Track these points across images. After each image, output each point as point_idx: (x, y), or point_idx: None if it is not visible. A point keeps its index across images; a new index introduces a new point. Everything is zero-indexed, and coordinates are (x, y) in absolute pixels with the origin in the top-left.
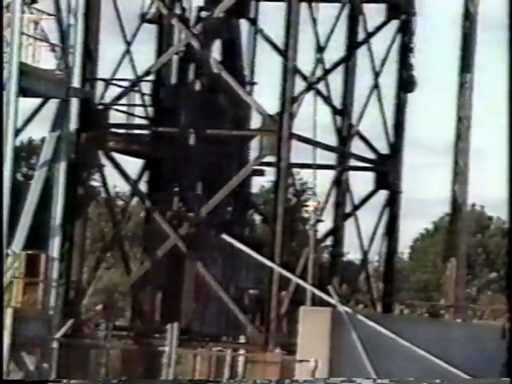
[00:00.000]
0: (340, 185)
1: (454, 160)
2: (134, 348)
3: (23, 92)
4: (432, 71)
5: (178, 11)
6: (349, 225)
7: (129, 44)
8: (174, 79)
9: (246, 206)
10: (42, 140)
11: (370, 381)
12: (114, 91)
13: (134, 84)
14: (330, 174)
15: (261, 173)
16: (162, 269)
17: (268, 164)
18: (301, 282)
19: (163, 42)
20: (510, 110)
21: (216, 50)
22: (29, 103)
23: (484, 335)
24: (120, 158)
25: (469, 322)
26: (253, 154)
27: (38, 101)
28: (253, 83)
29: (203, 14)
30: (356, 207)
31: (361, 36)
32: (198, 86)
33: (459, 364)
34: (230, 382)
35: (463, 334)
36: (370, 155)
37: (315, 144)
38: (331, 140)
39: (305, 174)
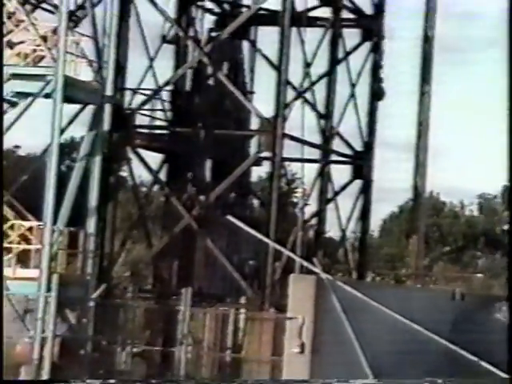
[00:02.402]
0: (323, 175)
1: (415, 155)
2: (155, 307)
3: (67, 99)
4: (398, 83)
5: (191, 33)
6: (330, 208)
7: (152, 60)
8: (188, 88)
9: (247, 193)
10: (82, 138)
11: (365, 380)
12: (139, 98)
13: (156, 93)
14: (315, 167)
15: (258, 163)
16: (178, 243)
17: (264, 158)
18: (291, 254)
19: (180, 59)
20: (509, 110)
21: (223, 65)
22: (71, 108)
23: (438, 297)
24: (144, 153)
25: (426, 287)
26: (252, 149)
27: (78, 106)
28: (252, 92)
29: (212, 35)
30: (336, 194)
31: (341, 54)
32: (207, 95)
33: (420, 321)
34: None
35: (422, 296)
36: (348, 151)
37: (303, 142)
38: (316, 139)
39: (294, 167)
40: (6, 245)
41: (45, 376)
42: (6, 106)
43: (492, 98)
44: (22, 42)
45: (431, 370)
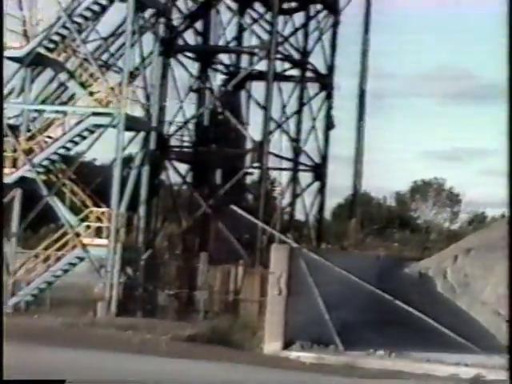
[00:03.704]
0: (294, 179)
1: (354, 165)
2: (183, 265)
3: (126, 128)
4: (343, 119)
5: (208, 86)
6: (298, 201)
7: (182, 102)
8: (205, 121)
9: (244, 190)
10: (136, 154)
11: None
12: (174, 127)
13: (184, 124)
14: (288, 173)
15: (250, 172)
16: (198, 224)
17: (255, 167)
18: (272, 230)
19: (200, 102)
20: (509, 111)
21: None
22: (129, 134)
23: (368, 258)
24: (176, 164)
25: (361, 252)
26: (247, 162)
27: (133, 133)
28: (247, 123)
29: (222, 87)
30: (303, 191)
31: (306, 99)
32: (218, 126)
33: (356, 274)
34: None
35: (358, 258)
36: (310, 163)
37: (281, 157)
38: (289, 155)
39: (275, 173)
40: (87, 223)
41: (113, 307)
42: (86, 132)
43: (404, 129)
44: (98, 92)
45: (362, 305)
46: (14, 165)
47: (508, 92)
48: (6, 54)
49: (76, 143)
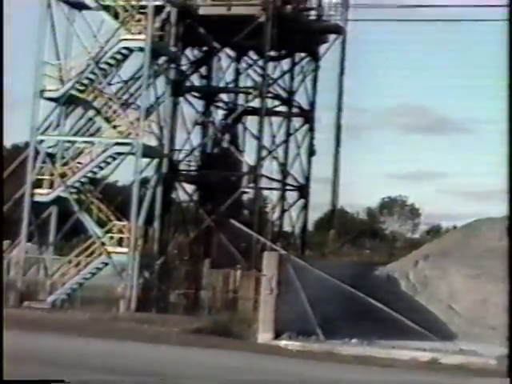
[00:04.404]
0: (282, 197)
1: (332, 184)
2: (190, 270)
3: (143, 156)
4: (323, 147)
5: (211, 119)
6: (286, 215)
7: (189, 133)
8: (209, 149)
9: (241, 207)
10: (151, 177)
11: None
12: (182, 154)
13: (192, 151)
14: (277, 193)
15: (246, 192)
16: (203, 235)
17: (250, 187)
18: (265, 240)
19: (204, 134)
20: (509, 111)
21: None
22: (145, 161)
23: (344, 264)
24: (185, 185)
25: (338, 258)
26: (244, 183)
27: (149, 159)
28: (243, 151)
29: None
30: (289, 207)
31: (292, 131)
32: (219, 153)
33: (335, 276)
34: None
35: (336, 263)
36: (296, 184)
37: (271, 179)
38: (278, 177)
39: (267, 192)
40: (111, 234)
41: (132, 305)
42: (110, 159)
43: (373, 155)
44: (120, 125)
45: (340, 302)
46: (51, 186)
47: (508, 93)
48: (46, 95)
49: (101, 168)
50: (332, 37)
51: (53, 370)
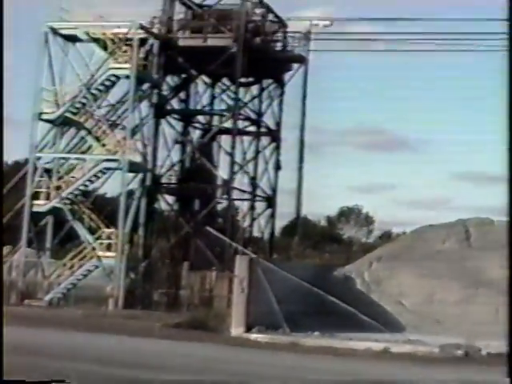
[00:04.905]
0: (252, 207)
1: (296, 195)
2: (171, 271)
3: (130, 171)
4: (288, 162)
5: (189, 139)
6: (256, 222)
7: (169, 151)
8: (187, 165)
9: (216, 215)
10: (136, 189)
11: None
12: (164, 169)
13: (172, 167)
14: (248, 203)
15: (220, 202)
16: (182, 241)
17: (224, 198)
18: (237, 245)
19: (183, 150)
20: (509, 112)
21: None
22: (130, 175)
23: (307, 265)
24: (166, 196)
25: (300, 261)
26: (218, 194)
27: (134, 174)
28: (217, 166)
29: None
30: (258, 215)
31: (260, 148)
32: (196, 168)
33: (297, 275)
34: None
35: (299, 265)
36: (264, 195)
37: (242, 191)
38: (249, 189)
39: (238, 203)
40: (100, 241)
41: (120, 302)
42: (100, 173)
43: (332, 169)
44: (108, 144)
45: (303, 299)
46: (48, 198)
47: (508, 94)
48: (43, 117)
49: (92, 182)
50: (296, 65)
51: (47, 360)
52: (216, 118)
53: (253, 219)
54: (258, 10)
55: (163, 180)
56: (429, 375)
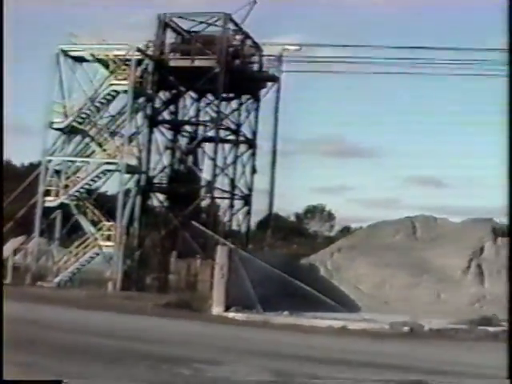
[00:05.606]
0: (231, 205)
1: (269, 195)
2: (162, 259)
3: (127, 172)
4: (263, 167)
5: (178, 146)
6: (234, 218)
7: (161, 155)
8: (176, 167)
9: (200, 211)
10: (132, 189)
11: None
12: (156, 171)
13: (163, 169)
14: (228, 201)
15: (204, 200)
16: (171, 233)
17: (207, 197)
18: (218, 237)
19: (173, 155)
20: (509, 112)
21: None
22: (127, 176)
23: (277, 255)
24: (158, 194)
25: (271, 251)
26: (202, 193)
27: (130, 175)
28: (202, 169)
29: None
30: (237, 211)
31: (239, 154)
32: (183, 171)
33: (270, 263)
34: None
35: (271, 255)
36: (241, 194)
37: (223, 190)
38: (228, 189)
39: (219, 200)
40: (102, 232)
41: (118, 285)
42: (101, 174)
43: (300, 173)
44: (109, 149)
45: (274, 284)
46: (57, 195)
47: (508, 97)
48: (54, 126)
49: (95, 181)
50: (270, 83)
51: (52, 332)
52: (201, 128)
53: (232, 215)
54: (238, 36)
55: (155, 180)
56: (379, 347)
